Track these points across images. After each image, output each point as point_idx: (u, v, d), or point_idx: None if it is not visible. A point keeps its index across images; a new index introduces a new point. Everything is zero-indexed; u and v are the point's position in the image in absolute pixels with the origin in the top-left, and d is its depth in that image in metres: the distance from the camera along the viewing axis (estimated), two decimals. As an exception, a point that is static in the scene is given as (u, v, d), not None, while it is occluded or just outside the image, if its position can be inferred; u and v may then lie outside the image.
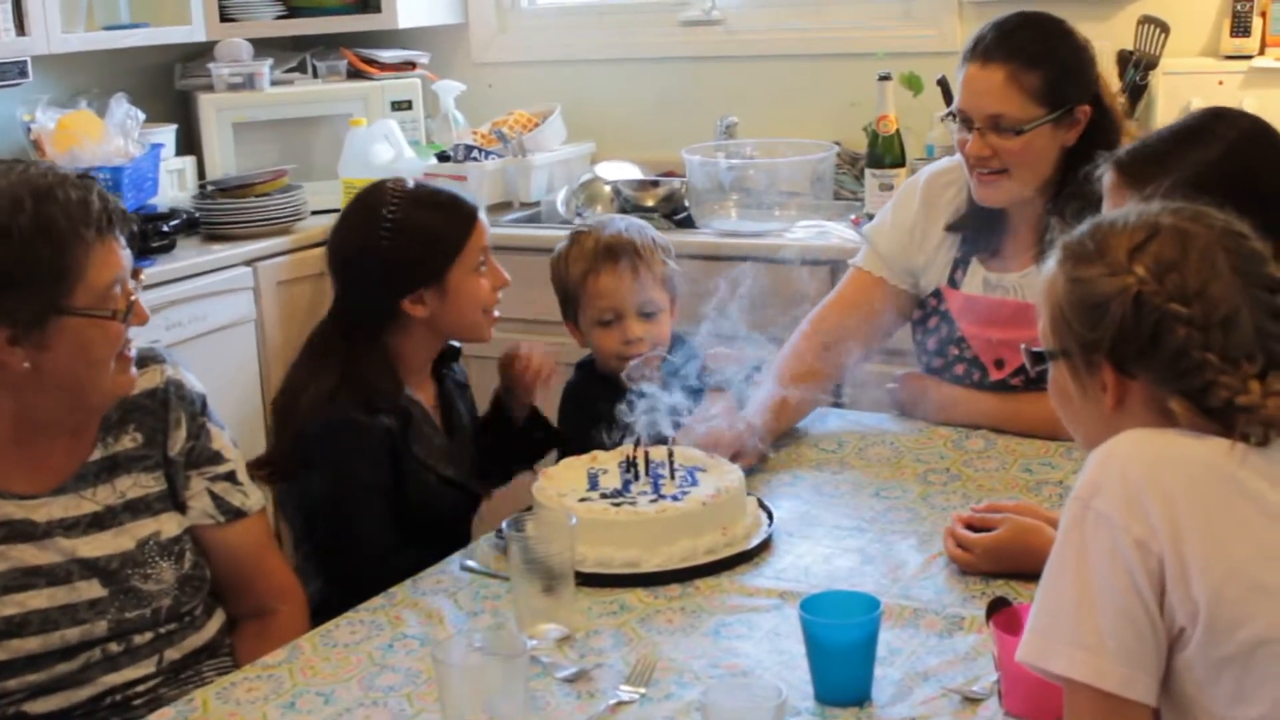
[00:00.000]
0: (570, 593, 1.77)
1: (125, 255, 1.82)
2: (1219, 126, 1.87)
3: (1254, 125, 1.89)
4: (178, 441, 1.95)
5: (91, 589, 1.84)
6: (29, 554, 1.81)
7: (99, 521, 1.87)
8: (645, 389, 2.12)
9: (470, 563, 1.99)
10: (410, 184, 2.26)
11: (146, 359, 1.94)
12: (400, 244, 2.20)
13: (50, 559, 1.83)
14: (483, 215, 2.27)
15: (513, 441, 2.48)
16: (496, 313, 2.29)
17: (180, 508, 1.95)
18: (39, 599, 1.81)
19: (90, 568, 1.85)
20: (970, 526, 1.89)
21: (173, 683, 1.91)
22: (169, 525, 1.93)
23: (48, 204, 1.75)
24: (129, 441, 1.92)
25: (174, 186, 3.85)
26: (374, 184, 2.30)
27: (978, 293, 2.44)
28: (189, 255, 3.54)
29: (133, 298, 1.82)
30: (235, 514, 1.99)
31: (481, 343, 2.33)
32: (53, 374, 1.78)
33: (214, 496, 1.97)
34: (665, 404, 2.10)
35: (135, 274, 1.84)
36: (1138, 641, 1.27)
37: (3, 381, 1.78)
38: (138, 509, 1.90)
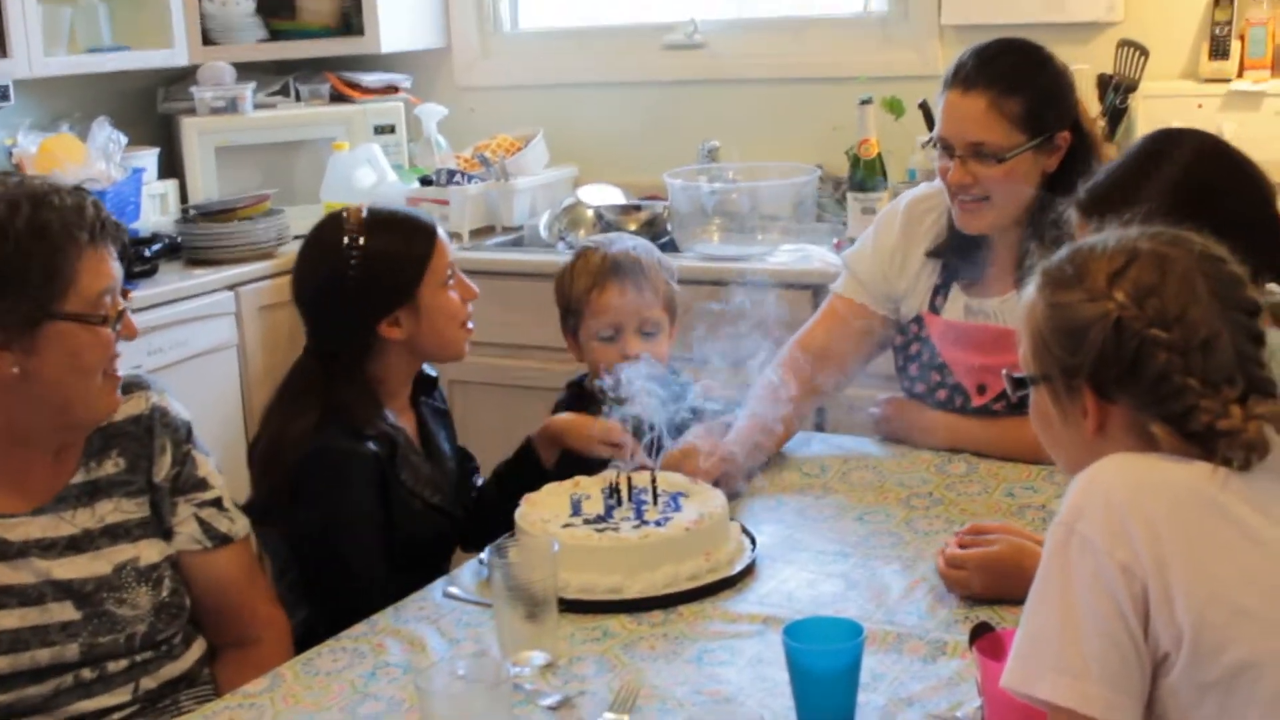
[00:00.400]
0: (553, 619, 1.77)
1: (116, 267, 1.83)
2: (1171, 149, 1.87)
3: (1204, 142, 1.89)
4: (163, 468, 1.94)
5: (64, 611, 1.83)
6: (1, 573, 1.80)
7: (75, 544, 1.86)
8: (620, 398, 2.12)
9: (453, 589, 1.98)
10: (365, 211, 2.27)
11: (131, 385, 1.94)
12: (369, 270, 2.20)
13: (23, 579, 1.82)
14: (441, 232, 2.28)
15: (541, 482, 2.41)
16: (471, 324, 2.30)
17: (165, 534, 1.95)
18: (10, 619, 1.80)
19: (64, 589, 1.83)
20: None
21: (149, 712, 1.89)
22: (149, 552, 1.92)
23: (43, 209, 1.76)
24: (111, 467, 1.91)
25: (156, 211, 3.85)
26: (329, 215, 2.30)
27: (959, 319, 2.44)
28: (171, 280, 3.53)
29: (121, 308, 1.83)
30: (222, 540, 1.98)
31: (458, 359, 2.33)
32: (41, 382, 1.77)
33: (201, 522, 1.97)
34: (637, 414, 2.10)
35: (124, 294, 1.85)
36: (1122, 666, 1.27)
37: None
38: (117, 534, 1.89)
